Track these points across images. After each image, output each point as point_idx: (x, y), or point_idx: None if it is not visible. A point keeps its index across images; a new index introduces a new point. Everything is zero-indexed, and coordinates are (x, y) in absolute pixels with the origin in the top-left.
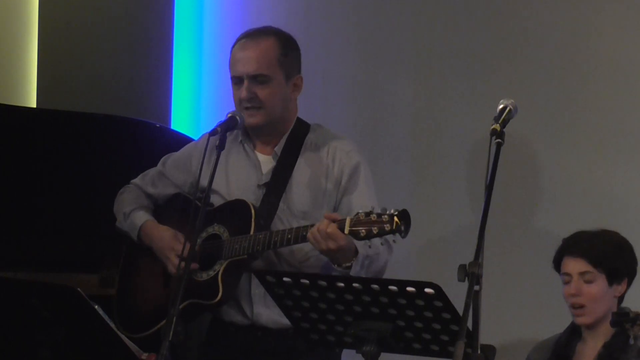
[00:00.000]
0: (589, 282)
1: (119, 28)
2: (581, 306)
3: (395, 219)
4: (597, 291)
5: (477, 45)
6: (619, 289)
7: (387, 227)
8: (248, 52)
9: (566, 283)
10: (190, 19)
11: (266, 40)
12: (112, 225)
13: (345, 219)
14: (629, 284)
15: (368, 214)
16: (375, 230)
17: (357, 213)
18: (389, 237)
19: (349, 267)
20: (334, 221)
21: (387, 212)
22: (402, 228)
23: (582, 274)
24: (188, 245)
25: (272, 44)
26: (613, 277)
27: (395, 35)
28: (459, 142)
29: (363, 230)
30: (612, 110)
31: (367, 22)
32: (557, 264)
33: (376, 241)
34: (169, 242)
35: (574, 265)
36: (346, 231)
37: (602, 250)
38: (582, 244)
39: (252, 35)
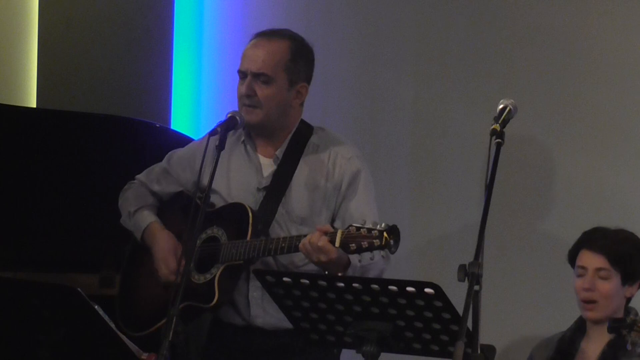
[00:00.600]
0: (603, 278)
1: (119, 28)
2: (593, 301)
3: (385, 234)
4: (610, 289)
5: (477, 45)
6: (630, 290)
7: (376, 242)
8: (258, 50)
9: (579, 276)
10: (190, 19)
11: (278, 42)
12: (112, 225)
13: (336, 232)
14: None
15: (359, 229)
16: (365, 244)
17: (349, 227)
18: (379, 252)
19: None
20: (325, 233)
21: (377, 228)
22: (392, 243)
23: (598, 269)
24: (187, 245)
25: (283, 47)
26: (627, 278)
27: (396, 35)
28: (459, 142)
29: (353, 245)
30: (614, 110)
31: (367, 22)
32: (573, 256)
33: (366, 255)
34: (164, 254)
35: (592, 260)
36: (337, 244)
37: (622, 250)
38: (603, 240)
39: (267, 34)
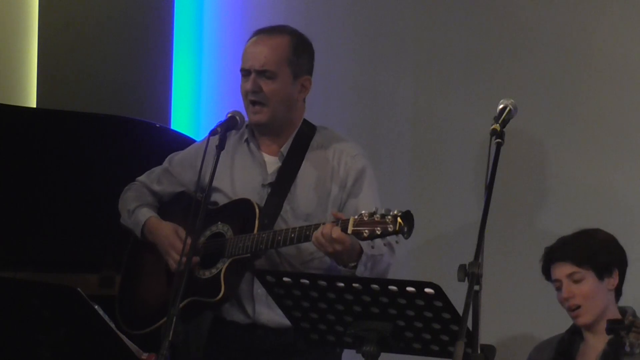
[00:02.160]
0: (577, 281)
1: (119, 28)
2: (577, 307)
3: (399, 219)
4: (588, 289)
5: (477, 45)
6: (611, 281)
7: (390, 227)
8: (259, 46)
9: (558, 289)
10: (190, 19)
11: (279, 38)
12: (112, 225)
13: (349, 219)
14: (621, 275)
15: (372, 215)
16: (378, 230)
17: (361, 213)
18: (392, 237)
19: (355, 267)
20: (338, 221)
21: (391, 213)
22: (406, 229)
23: (569, 275)
24: (189, 242)
25: (284, 42)
26: (601, 271)
27: (396, 34)
28: (459, 142)
29: (366, 231)
30: (614, 110)
31: (368, 22)
32: (547, 274)
33: (379, 242)
34: (169, 238)
35: (561, 270)
36: (349, 231)
37: (583, 249)
38: (563, 248)
39: (267, 31)
